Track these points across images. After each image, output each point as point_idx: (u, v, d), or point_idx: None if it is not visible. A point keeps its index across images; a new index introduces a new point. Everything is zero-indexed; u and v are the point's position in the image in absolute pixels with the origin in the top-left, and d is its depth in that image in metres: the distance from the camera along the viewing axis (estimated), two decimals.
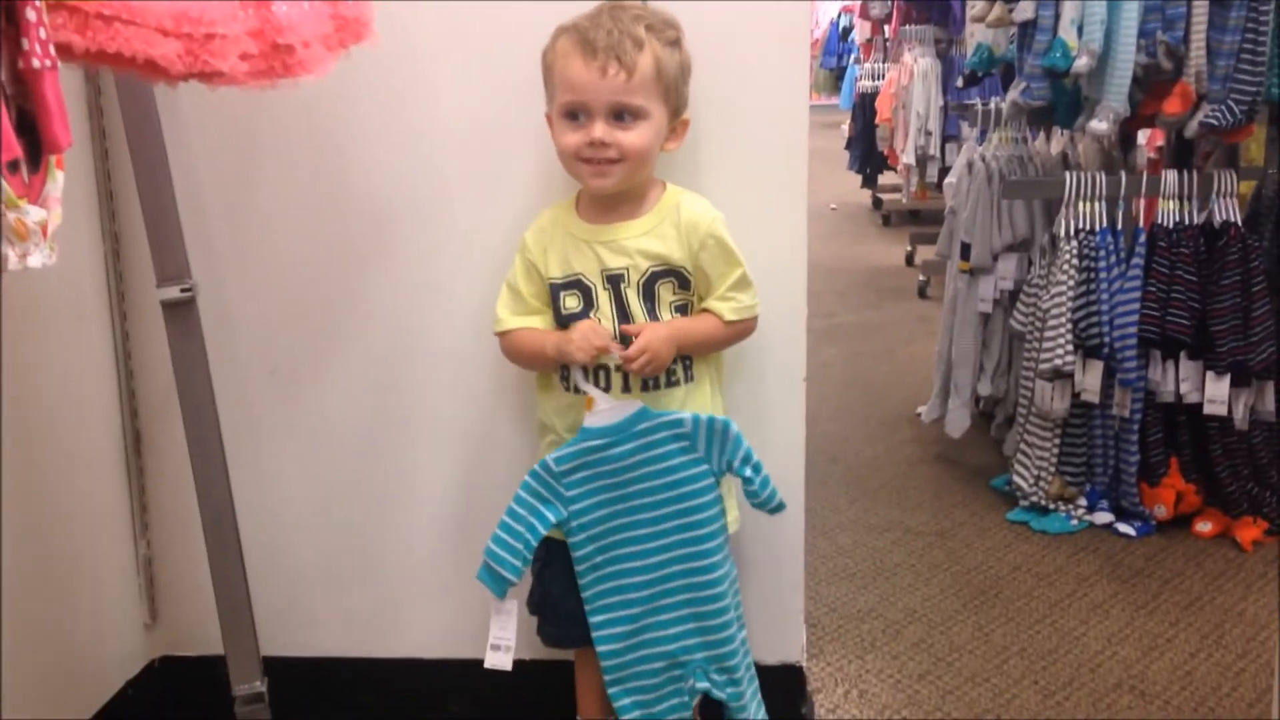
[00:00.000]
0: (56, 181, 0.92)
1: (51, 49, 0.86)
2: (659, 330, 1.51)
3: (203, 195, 1.74)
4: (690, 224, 1.54)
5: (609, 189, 1.51)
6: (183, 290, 1.62)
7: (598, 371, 1.55)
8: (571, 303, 1.55)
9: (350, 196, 1.76)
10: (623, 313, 1.54)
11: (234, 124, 1.73)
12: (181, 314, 1.63)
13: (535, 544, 1.53)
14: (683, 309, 1.57)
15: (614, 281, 1.54)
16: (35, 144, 0.89)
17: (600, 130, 1.45)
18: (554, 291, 1.56)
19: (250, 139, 1.74)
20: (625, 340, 1.51)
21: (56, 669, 1.69)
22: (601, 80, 1.43)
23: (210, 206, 1.75)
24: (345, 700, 1.92)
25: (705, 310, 1.57)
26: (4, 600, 1.56)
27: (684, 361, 1.57)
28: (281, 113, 1.70)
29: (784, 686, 1.87)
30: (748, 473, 1.55)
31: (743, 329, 1.60)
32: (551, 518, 1.53)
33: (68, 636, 1.73)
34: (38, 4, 0.84)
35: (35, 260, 0.90)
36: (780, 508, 1.60)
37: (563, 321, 1.56)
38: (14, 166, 0.87)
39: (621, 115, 1.46)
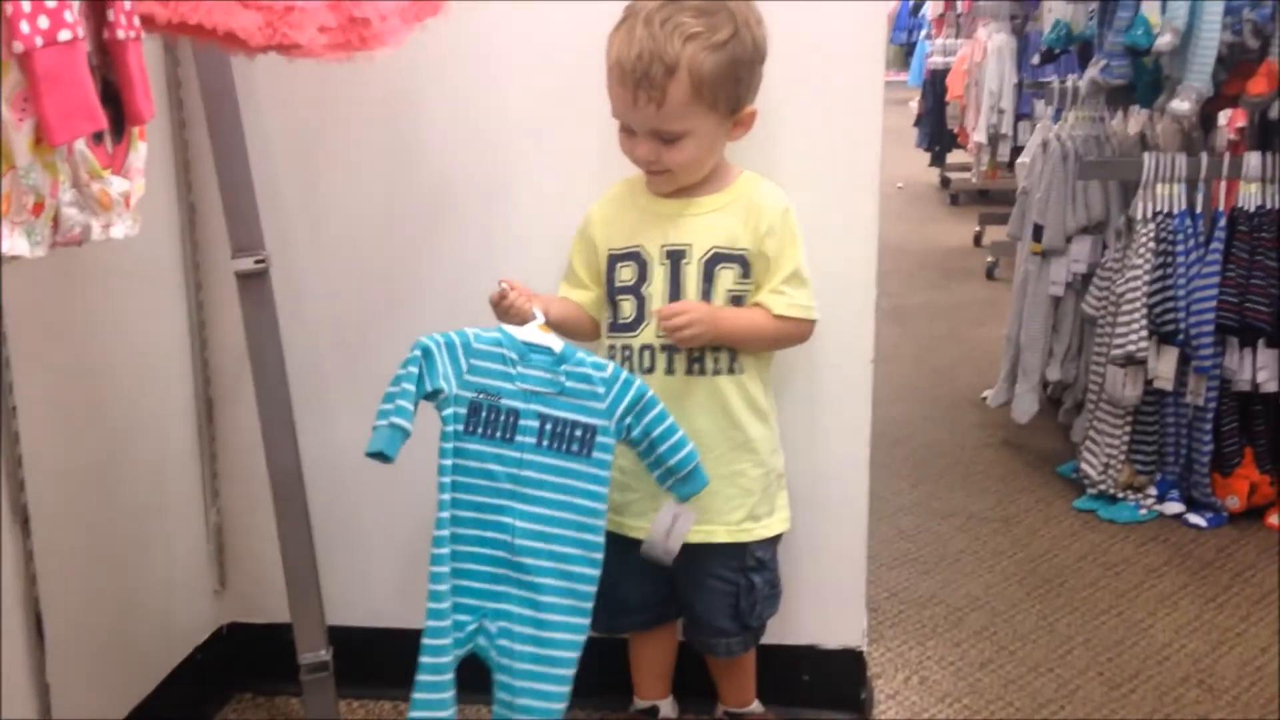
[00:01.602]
0: (139, 152, 0.94)
1: (136, 20, 0.88)
2: (701, 305, 1.50)
3: (276, 169, 1.76)
4: (760, 206, 1.53)
5: (666, 191, 1.53)
6: (256, 262, 1.64)
7: (642, 351, 1.54)
8: (626, 274, 1.55)
9: (419, 175, 1.77)
10: (676, 291, 1.52)
11: (308, 98, 1.74)
12: (255, 285, 1.66)
13: (420, 396, 1.43)
14: (738, 300, 1.54)
15: (674, 257, 1.53)
16: (119, 115, 0.90)
17: (644, 150, 1.47)
18: (611, 263, 1.56)
19: (324, 114, 1.75)
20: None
21: (127, 634, 1.73)
22: (634, 109, 1.43)
23: (283, 180, 1.77)
24: (408, 671, 1.94)
25: (756, 304, 1.54)
26: (77, 564, 1.60)
27: (729, 352, 1.54)
28: (355, 88, 1.71)
29: (844, 671, 1.87)
30: (659, 443, 1.47)
31: (793, 330, 1.56)
32: (441, 384, 1.43)
33: (139, 602, 1.77)
34: None
35: (118, 231, 0.91)
36: (695, 487, 1.49)
37: (613, 294, 1.56)
38: (99, 137, 0.89)
39: (663, 138, 1.46)
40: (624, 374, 1.46)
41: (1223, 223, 2.62)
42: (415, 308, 1.81)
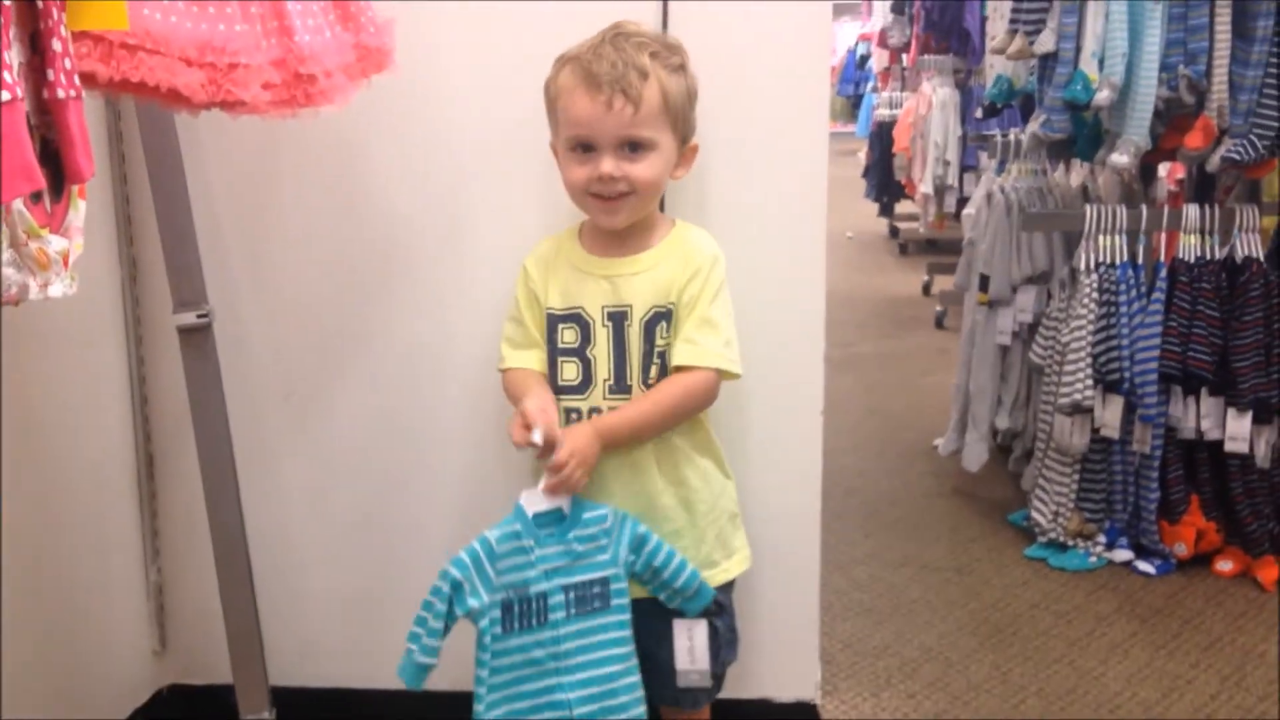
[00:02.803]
0: (78, 211, 0.93)
1: (76, 79, 0.87)
2: (580, 433, 1.45)
3: (220, 222, 1.75)
4: (690, 255, 1.52)
5: (619, 225, 1.50)
6: (199, 316, 1.63)
7: (591, 414, 1.51)
8: (569, 336, 1.53)
9: (367, 224, 1.77)
10: (620, 352, 1.51)
11: (252, 152, 1.74)
12: (197, 340, 1.64)
13: (448, 628, 1.46)
14: (663, 354, 1.52)
15: (616, 319, 1.52)
16: (58, 173, 0.90)
17: (609, 164, 1.44)
18: (551, 323, 1.54)
19: (268, 167, 1.75)
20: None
21: (65, 696, 1.69)
22: (608, 114, 1.42)
23: (227, 233, 1.76)
24: None
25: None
26: (14, 624, 1.56)
27: None
28: (300, 141, 1.71)
29: None
30: (670, 577, 1.51)
31: (700, 387, 1.49)
32: (472, 603, 1.45)
33: (77, 663, 1.73)
34: (63, 34, 0.85)
35: (56, 290, 0.91)
36: (703, 601, 1.53)
37: (555, 354, 1.54)
38: (37, 196, 0.88)
39: (630, 147, 1.45)
40: (618, 518, 1.48)
41: (1164, 273, 2.67)
42: (364, 360, 1.80)
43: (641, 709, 1.50)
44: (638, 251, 1.53)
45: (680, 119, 1.48)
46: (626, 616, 1.49)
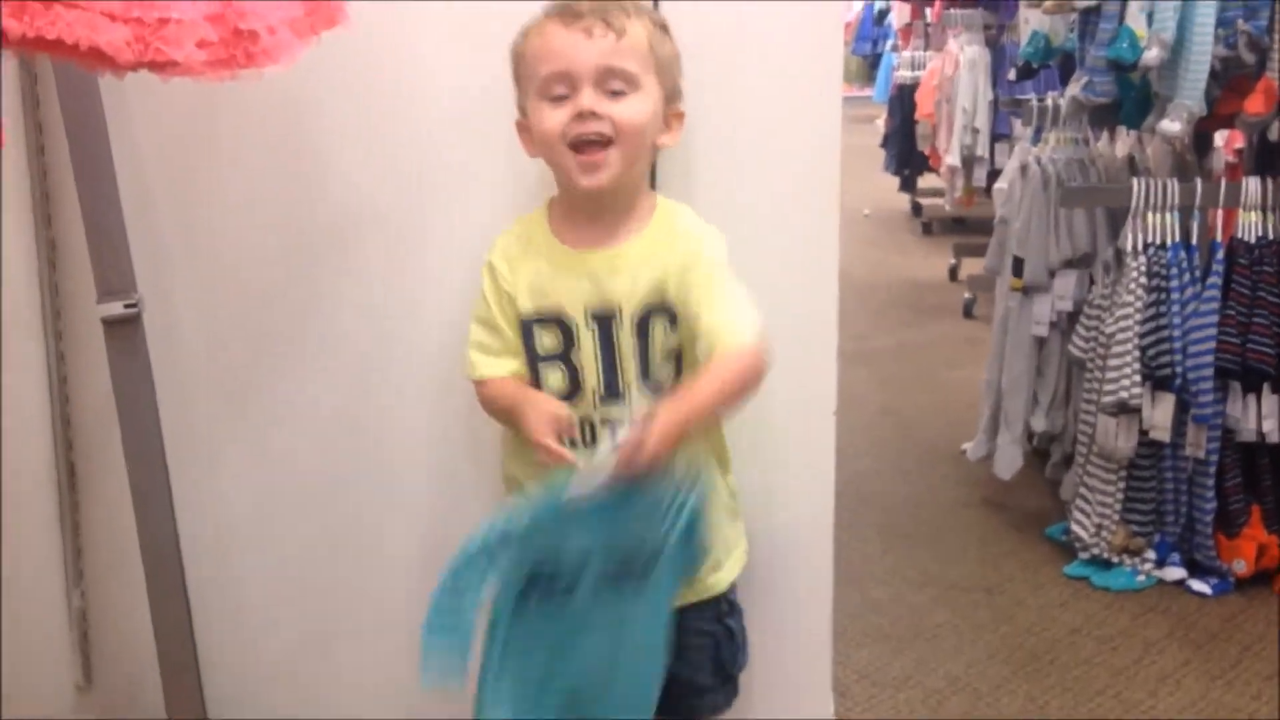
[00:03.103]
0: None
1: None
2: (676, 413, 1.40)
3: (151, 200, 1.74)
4: (679, 239, 1.51)
5: (603, 185, 1.46)
6: (127, 306, 1.63)
7: (581, 424, 1.51)
8: (548, 341, 1.52)
9: (319, 201, 1.76)
10: (609, 358, 1.51)
11: (187, 119, 1.73)
12: (124, 332, 1.64)
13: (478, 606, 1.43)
14: (678, 356, 1.52)
15: (603, 321, 1.50)
16: None
17: (589, 98, 1.43)
18: (525, 327, 1.53)
19: (205, 137, 1.74)
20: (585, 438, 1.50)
21: None
22: (588, 40, 1.42)
23: (159, 213, 1.75)
24: None
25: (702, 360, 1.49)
26: None
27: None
28: (241, 107, 1.70)
29: None
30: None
31: (751, 368, 1.46)
32: (491, 582, 1.43)
33: None
34: None
35: None
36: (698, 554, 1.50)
37: (534, 361, 1.53)
38: None
39: (612, 86, 1.44)
40: (678, 495, 1.43)
41: (1220, 255, 2.68)
42: (315, 354, 1.80)
43: (653, 694, 1.48)
44: (619, 240, 1.51)
45: (666, 72, 1.49)
46: (664, 598, 1.46)
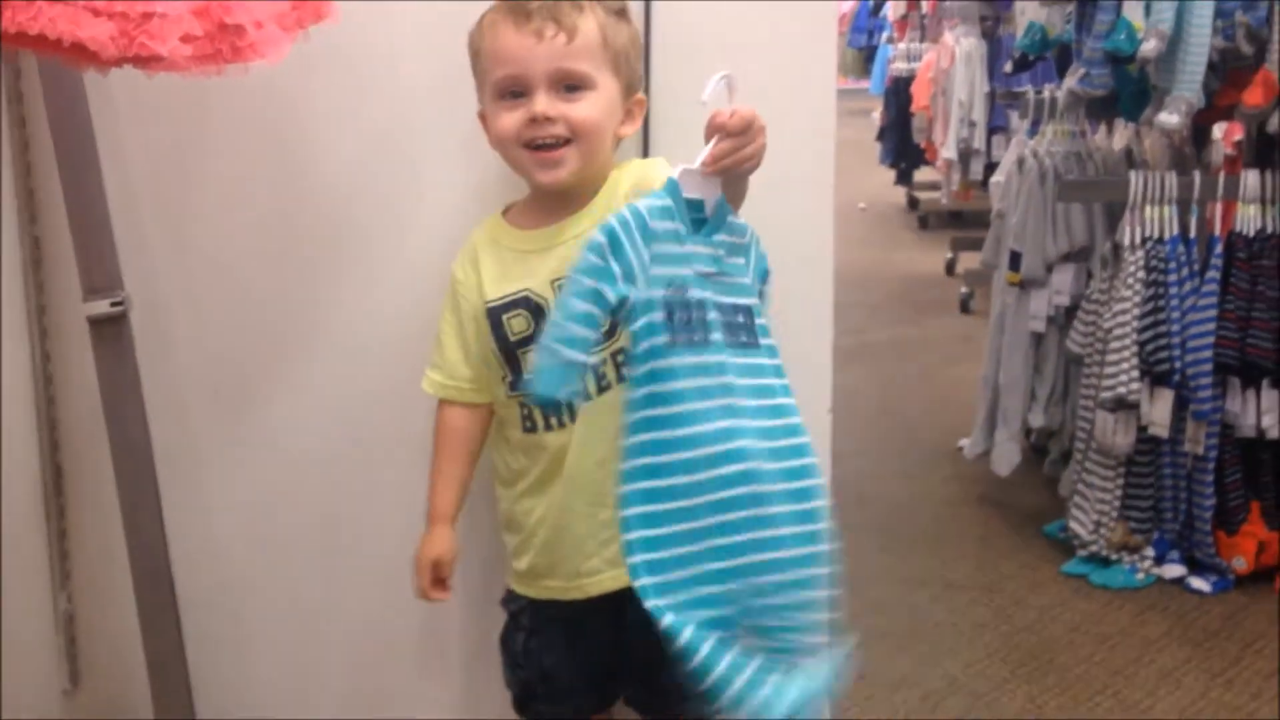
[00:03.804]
0: None
1: None
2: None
3: (137, 197, 1.73)
4: (628, 171, 1.50)
5: (563, 181, 1.46)
6: (113, 304, 1.62)
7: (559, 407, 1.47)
8: (519, 325, 1.50)
9: (307, 196, 1.75)
10: None
11: (173, 115, 1.72)
12: (111, 331, 1.63)
13: (605, 319, 1.25)
14: None
15: None
16: None
17: (542, 102, 1.42)
18: (494, 316, 1.51)
19: (192, 132, 1.74)
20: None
21: None
22: (538, 44, 1.41)
23: (145, 209, 1.75)
24: None
25: None
26: None
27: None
28: (228, 102, 1.69)
29: None
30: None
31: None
32: (625, 289, 1.24)
33: None
34: None
35: None
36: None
37: (509, 349, 1.51)
38: None
39: (565, 86, 1.43)
40: (754, 238, 1.36)
41: (1219, 249, 2.68)
42: (303, 352, 1.79)
43: (818, 482, 1.33)
44: (573, 213, 1.50)
45: (624, 63, 1.48)
46: (779, 363, 1.34)
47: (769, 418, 1.31)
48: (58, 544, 1.85)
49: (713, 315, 1.30)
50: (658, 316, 1.26)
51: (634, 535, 1.24)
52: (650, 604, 1.23)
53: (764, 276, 1.39)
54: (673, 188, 1.30)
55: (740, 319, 1.33)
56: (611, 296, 1.23)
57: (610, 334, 1.40)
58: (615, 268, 1.23)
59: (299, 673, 1.89)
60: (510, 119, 1.44)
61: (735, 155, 1.32)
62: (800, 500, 1.31)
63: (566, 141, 1.44)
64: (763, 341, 1.34)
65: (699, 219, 1.32)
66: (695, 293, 1.29)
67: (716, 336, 1.29)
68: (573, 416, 1.49)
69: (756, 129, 1.33)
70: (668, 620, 1.23)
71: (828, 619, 1.34)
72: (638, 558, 1.24)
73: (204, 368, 1.81)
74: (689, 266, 1.29)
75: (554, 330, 1.22)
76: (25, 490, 1.82)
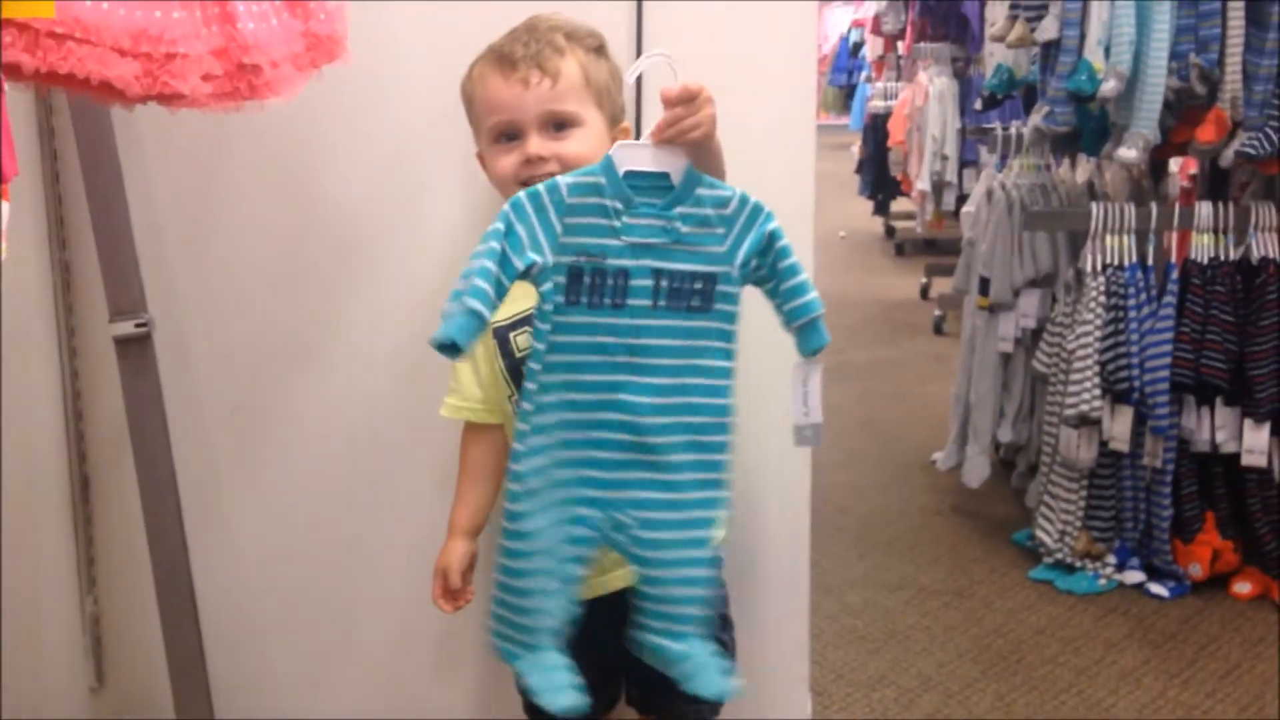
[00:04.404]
0: (2, 213, 0.93)
1: None
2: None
3: (160, 223, 1.74)
4: None
5: None
6: (138, 325, 1.62)
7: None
8: (524, 342, 1.50)
9: (321, 224, 1.76)
10: None
11: (194, 148, 1.73)
12: (136, 351, 1.63)
13: (507, 283, 1.30)
14: None
15: None
16: None
17: (535, 144, 1.45)
18: (500, 336, 1.52)
19: (211, 164, 1.74)
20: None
21: None
22: (526, 91, 1.43)
23: (168, 236, 1.75)
24: None
25: None
26: None
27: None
28: (245, 136, 1.70)
29: None
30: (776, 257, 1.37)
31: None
32: (532, 256, 1.30)
33: (6, 702, 1.71)
34: None
35: None
36: (820, 341, 1.39)
37: (515, 367, 1.51)
38: None
39: (555, 126, 1.46)
40: (747, 207, 1.36)
41: (1175, 275, 2.69)
42: (318, 371, 1.79)
43: (724, 438, 1.39)
44: None
45: (605, 97, 1.50)
46: (731, 327, 1.37)
47: (681, 376, 1.36)
48: (85, 550, 1.85)
49: (642, 282, 1.33)
50: (561, 279, 1.32)
51: (520, 466, 1.33)
52: (511, 516, 1.34)
53: (760, 244, 1.36)
54: (606, 164, 1.33)
55: (696, 285, 1.35)
56: (518, 262, 1.29)
57: None
58: (521, 233, 1.29)
59: (315, 673, 1.88)
60: (507, 161, 1.47)
61: (679, 125, 1.32)
62: (699, 451, 1.37)
63: (557, 175, 1.44)
64: (718, 307, 1.36)
65: (664, 190, 1.34)
66: (617, 261, 1.32)
67: (640, 302, 1.33)
68: None
69: (703, 99, 1.33)
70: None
71: (710, 588, 1.41)
72: (515, 485, 1.34)
73: (222, 384, 1.80)
74: (617, 237, 1.33)
75: (460, 283, 1.27)
76: (54, 499, 1.82)
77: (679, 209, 1.34)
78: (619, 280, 1.34)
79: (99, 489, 1.85)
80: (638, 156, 1.33)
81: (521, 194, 1.31)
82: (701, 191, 1.35)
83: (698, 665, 1.39)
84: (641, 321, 1.34)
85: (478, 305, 1.25)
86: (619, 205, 1.33)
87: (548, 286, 1.32)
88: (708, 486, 1.39)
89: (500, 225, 1.29)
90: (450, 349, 1.26)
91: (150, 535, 1.65)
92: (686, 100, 1.32)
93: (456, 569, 1.53)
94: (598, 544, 1.38)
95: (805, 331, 1.40)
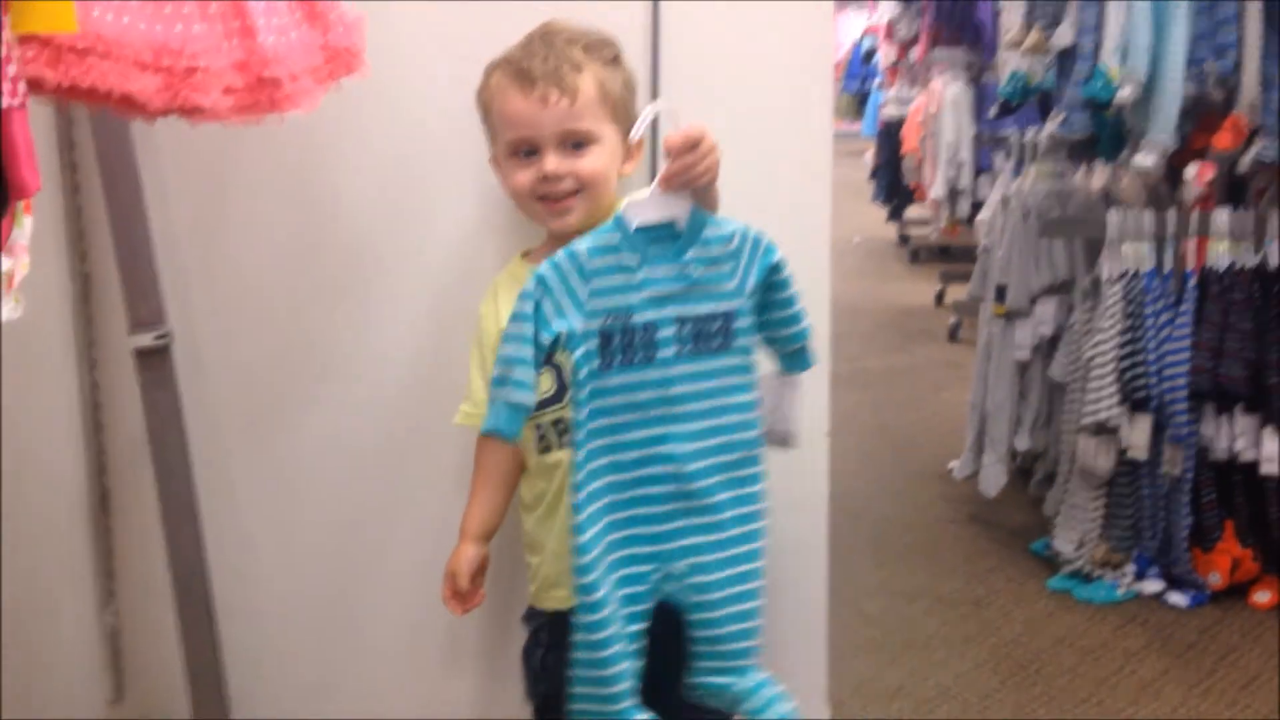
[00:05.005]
0: (24, 228, 0.93)
1: (21, 85, 0.87)
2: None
3: (179, 236, 1.74)
4: None
5: (573, 226, 1.48)
6: (157, 338, 1.63)
7: (555, 424, 1.50)
8: None
9: (338, 237, 1.76)
10: None
11: (214, 160, 1.73)
12: (155, 363, 1.63)
13: (541, 357, 1.33)
14: None
15: None
16: (1, 187, 0.89)
17: (552, 163, 1.45)
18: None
19: (231, 177, 1.74)
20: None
21: None
22: (544, 110, 1.44)
23: (187, 249, 1.75)
24: None
25: None
26: None
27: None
28: (265, 148, 1.70)
29: None
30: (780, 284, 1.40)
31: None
32: (559, 326, 1.32)
33: (25, 714, 1.71)
34: (6, 37, 0.85)
35: (2, 313, 0.90)
36: (808, 363, 1.46)
37: None
38: None
39: (572, 143, 1.46)
40: (748, 240, 1.39)
41: (1193, 282, 2.68)
42: (335, 384, 1.79)
43: (757, 471, 1.42)
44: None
45: (621, 110, 1.50)
46: (750, 359, 1.41)
47: (713, 418, 1.39)
48: (104, 562, 1.85)
49: (667, 332, 1.36)
50: (593, 345, 1.34)
51: (582, 538, 1.34)
52: (583, 589, 1.34)
53: (765, 274, 1.40)
54: (618, 221, 1.35)
55: (716, 325, 1.39)
56: (545, 338, 1.31)
57: (557, 398, 1.48)
58: (547, 308, 1.31)
59: (331, 684, 1.88)
60: (524, 176, 1.48)
61: (686, 173, 1.34)
62: (738, 486, 1.41)
63: (575, 192, 1.47)
64: (738, 342, 1.40)
65: (672, 237, 1.36)
66: (641, 316, 1.35)
67: (667, 352, 1.37)
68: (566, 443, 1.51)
69: (705, 146, 1.34)
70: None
71: (760, 613, 1.43)
72: (581, 559, 1.34)
73: (241, 395, 1.81)
74: (639, 293, 1.35)
75: (499, 377, 1.31)
76: (74, 512, 1.82)
77: (690, 253, 1.37)
78: (647, 334, 1.36)
79: (118, 501, 1.85)
80: (646, 209, 1.35)
81: (545, 267, 1.33)
82: (708, 232, 1.38)
83: (764, 699, 1.42)
84: (672, 371, 1.37)
85: (521, 398, 1.30)
86: (636, 260, 1.36)
87: (581, 353, 1.34)
88: (747, 520, 1.42)
89: (529, 305, 1.31)
90: (498, 435, 1.31)
91: (169, 547, 1.65)
92: (690, 147, 1.33)
93: (465, 572, 1.54)
94: (652, 597, 1.40)
95: (798, 355, 1.46)
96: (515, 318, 1.31)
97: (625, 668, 1.37)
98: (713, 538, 1.40)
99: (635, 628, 1.39)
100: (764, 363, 1.46)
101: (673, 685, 1.45)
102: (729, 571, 1.40)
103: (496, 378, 1.31)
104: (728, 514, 1.41)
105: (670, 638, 1.44)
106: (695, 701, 1.46)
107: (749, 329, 1.40)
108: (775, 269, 1.40)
